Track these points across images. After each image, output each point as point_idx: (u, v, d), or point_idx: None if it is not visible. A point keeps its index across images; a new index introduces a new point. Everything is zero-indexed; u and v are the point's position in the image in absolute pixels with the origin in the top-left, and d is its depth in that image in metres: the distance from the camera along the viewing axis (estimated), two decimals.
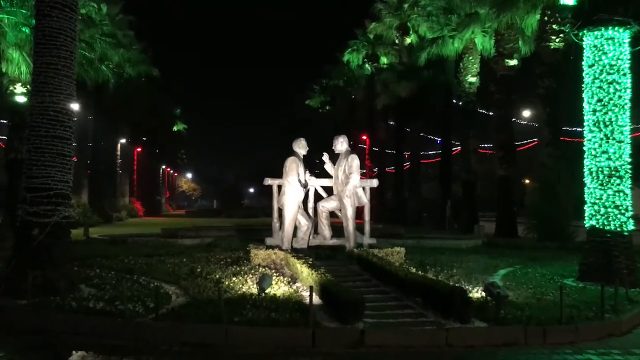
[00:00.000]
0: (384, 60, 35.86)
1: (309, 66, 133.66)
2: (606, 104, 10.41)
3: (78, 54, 10.33)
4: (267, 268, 10.57)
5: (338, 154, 11.91)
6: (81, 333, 6.94)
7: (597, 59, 10.49)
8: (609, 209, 10.31)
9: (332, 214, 12.24)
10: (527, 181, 41.96)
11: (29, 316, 7.40)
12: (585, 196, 10.62)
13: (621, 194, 10.31)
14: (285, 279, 9.59)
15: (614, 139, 10.33)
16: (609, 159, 10.32)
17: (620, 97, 10.40)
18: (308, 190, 11.99)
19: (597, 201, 10.41)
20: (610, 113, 10.38)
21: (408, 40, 31.83)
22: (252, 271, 10.10)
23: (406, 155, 37.44)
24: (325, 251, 11.73)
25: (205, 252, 12.95)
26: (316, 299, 7.78)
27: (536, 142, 23.36)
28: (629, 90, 10.46)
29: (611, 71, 10.39)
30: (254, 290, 8.54)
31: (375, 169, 39.64)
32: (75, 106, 9.55)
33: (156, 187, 58.06)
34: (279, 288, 8.83)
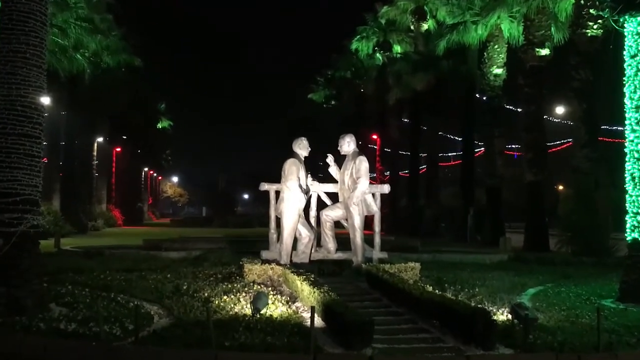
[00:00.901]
0: (397, 48, 35.94)
1: (313, 57, 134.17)
2: None
3: (50, 40, 10.39)
4: (262, 285, 10.57)
5: (344, 156, 11.93)
6: (51, 358, 6.92)
7: None
8: None
9: (337, 224, 12.25)
10: (560, 187, 41.87)
11: None
12: (627, 205, 10.58)
13: None
14: (284, 298, 9.59)
15: None
16: None
17: None
18: (310, 197, 12.01)
19: None
20: None
21: (425, 26, 31.90)
22: (246, 289, 10.11)
23: (422, 157, 37.44)
24: (329, 266, 11.73)
25: (192, 267, 12.98)
26: (318, 321, 7.75)
27: (570, 143, 23.36)
28: None
29: None
30: (248, 310, 8.52)
31: (387, 173, 39.67)
32: (46, 100, 9.59)
33: (137, 192, 58.12)
34: (276, 308, 8.82)
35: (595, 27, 19.26)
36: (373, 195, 11.87)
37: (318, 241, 12.11)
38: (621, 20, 10.72)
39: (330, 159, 12.15)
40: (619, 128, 19.49)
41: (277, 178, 11.84)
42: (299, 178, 11.45)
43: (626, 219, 10.63)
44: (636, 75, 10.55)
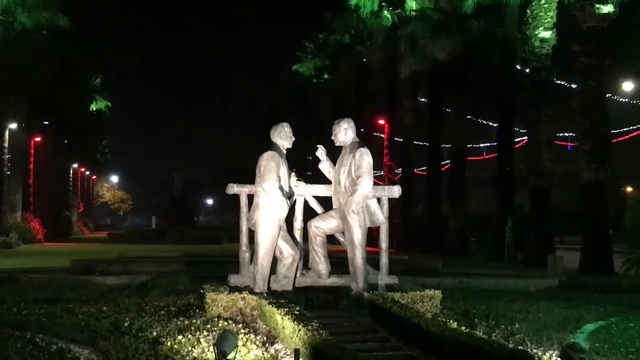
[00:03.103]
0: (411, 4, 35.90)
1: (300, 16, 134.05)
2: None
3: None
4: (230, 321, 10.48)
5: (340, 148, 11.89)
6: None
7: None
8: None
9: (330, 239, 12.18)
10: (628, 189, 42.11)
11: None
12: None
13: None
14: (259, 337, 9.55)
15: None
16: None
17: None
18: (294, 203, 11.95)
19: None
20: None
21: None
22: (209, 326, 10.03)
23: (445, 150, 37.55)
24: (320, 295, 11.65)
25: (137, 297, 12.85)
26: None
27: None
28: None
29: None
30: (211, 355, 8.45)
31: (399, 170, 39.71)
32: None
33: (64, 196, 57.88)
34: (248, 352, 8.77)
35: None
36: (379, 200, 11.80)
37: (305, 262, 12.04)
38: None
39: (321, 152, 12.05)
40: None
41: (251, 178, 11.76)
42: (279, 177, 11.34)
43: None
44: None
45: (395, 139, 40.04)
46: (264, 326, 10.30)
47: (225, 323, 10.26)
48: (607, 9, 22.02)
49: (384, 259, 11.93)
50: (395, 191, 12.15)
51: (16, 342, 9.13)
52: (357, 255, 11.53)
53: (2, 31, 27.53)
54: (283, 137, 11.71)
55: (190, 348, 8.89)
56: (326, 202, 12.31)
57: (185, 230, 50.06)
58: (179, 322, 10.29)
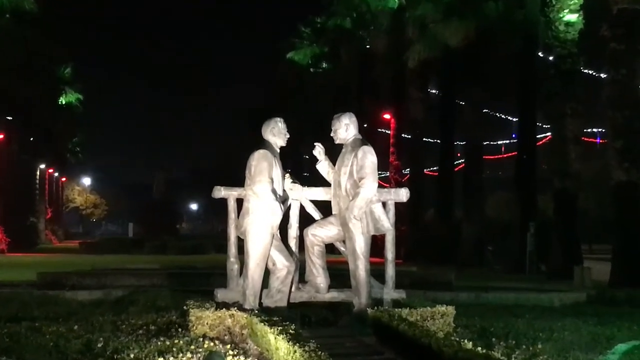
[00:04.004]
0: None
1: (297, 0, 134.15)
2: None
3: None
4: (217, 342, 10.40)
5: (340, 146, 11.88)
6: None
7: None
8: None
9: (330, 248, 12.18)
10: None
11: None
12: None
13: None
14: None
15: None
16: None
17: None
18: (289, 208, 11.95)
19: None
20: None
21: None
22: (193, 347, 9.91)
23: (459, 147, 37.50)
24: (318, 312, 11.65)
25: (112, 314, 12.82)
26: None
27: None
28: None
29: None
30: None
31: (406, 171, 39.68)
32: None
33: (30, 201, 57.81)
34: None
35: None
36: (384, 204, 11.77)
37: (301, 275, 12.02)
38: None
39: (319, 151, 12.04)
40: None
41: (240, 180, 11.72)
42: (272, 179, 11.31)
43: None
44: None
45: (403, 135, 40.06)
46: (255, 347, 10.27)
47: (212, 343, 10.18)
48: None
49: (390, 271, 11.87)
50: (403, 194, 12.10)
51: None
52: (360, 267, 11.52)
53: None
54: (276, 133, 11.69)
55: None
56: (325, 207, 12.28)
57: (166, 239, 49.94)
58: (159, 343, 10.19)
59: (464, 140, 35.86)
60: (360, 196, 11.32)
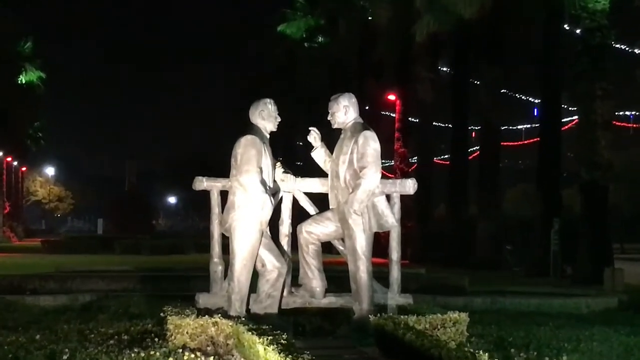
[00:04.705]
0: None
1: None
2: None
3: None
4: (199, 353, 10.37)
5: (338, 131, 11.91)
6: None
7: None
8: None
9: (327, 247, 12.23)
10: None
11: None
12: None
13: None
14: None
15: None
16: None
17: None
18: (281, 201, 11.99)
19: None
20: None
21: None
22: (171, 359, 10.00)
23: (473, 135, 37.52)
24: (313, 319, 11.72)
25: (79, 322, 12.87)
26: None
27: None
28: None
29: None
30: None
31: (414, 160, 39.79)
32: None
33: None
34: None
35: None
36: (388, 198, 11.78)
37: (295, 277, 12.09)
38: None
39: (314, 137, 11.99)
40: None
41: (225, 170, 11.74)
42: (260, 169, 11.30)
43: None
44: None
45: (410, 119, 40.21)
46: (242, 359, 10.30)
47: (193, 355, 10.14)
48: None
49: (395, 273, 11.92)
50: (410, 186, 12.16)
51: None
52: (361, 269, 11.55)
53: None
54: (266, 117, 11.68)
55: None
56: (321, 201, 12.34)
57: (140, 237, 50.76)
58: (132, 355, 10.21)
59: (479, 125, 35.92)
60: (361, 188, 11.36)
